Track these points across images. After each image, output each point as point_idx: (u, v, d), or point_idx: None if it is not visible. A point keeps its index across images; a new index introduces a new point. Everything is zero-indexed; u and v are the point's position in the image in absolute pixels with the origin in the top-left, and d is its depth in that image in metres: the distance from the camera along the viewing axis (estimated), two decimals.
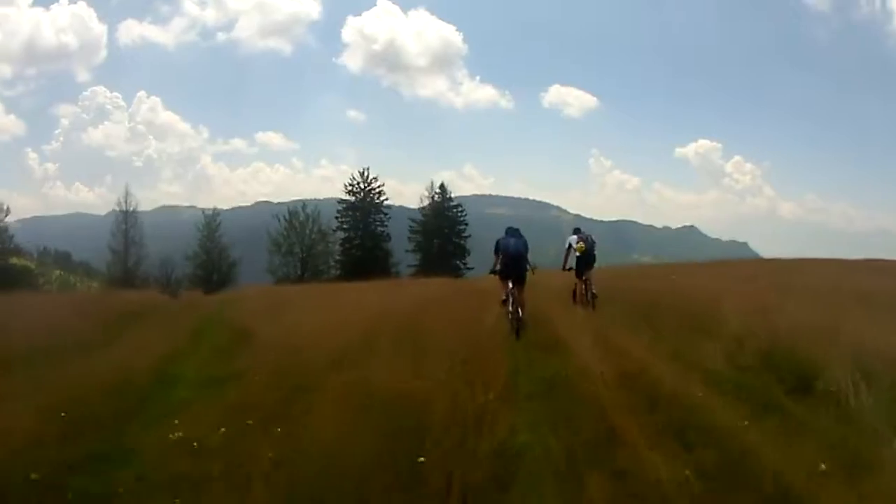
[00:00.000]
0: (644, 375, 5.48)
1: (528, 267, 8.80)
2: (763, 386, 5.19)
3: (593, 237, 10.46)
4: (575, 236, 10.34)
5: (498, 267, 8.89)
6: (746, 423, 4.22)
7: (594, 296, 9.91)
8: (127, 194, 35.04)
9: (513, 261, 8.67)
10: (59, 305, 12.06)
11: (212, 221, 36.99)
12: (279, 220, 38.68)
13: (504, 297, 8.71)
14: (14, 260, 35.14)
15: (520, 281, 8.63)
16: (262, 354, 6.98)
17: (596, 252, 10.37)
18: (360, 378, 5.42)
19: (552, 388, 5.42)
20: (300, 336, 7.50)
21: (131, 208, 34.64)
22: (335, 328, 7.63)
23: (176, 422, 4.85)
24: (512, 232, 8.91)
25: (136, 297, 15.11)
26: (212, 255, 36.27)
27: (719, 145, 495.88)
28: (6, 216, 33.71)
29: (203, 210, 38.54)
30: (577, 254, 10.19)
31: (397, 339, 6.95)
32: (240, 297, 15.94)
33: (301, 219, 38.86)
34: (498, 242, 8.94)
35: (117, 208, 34.27)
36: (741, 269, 18.92)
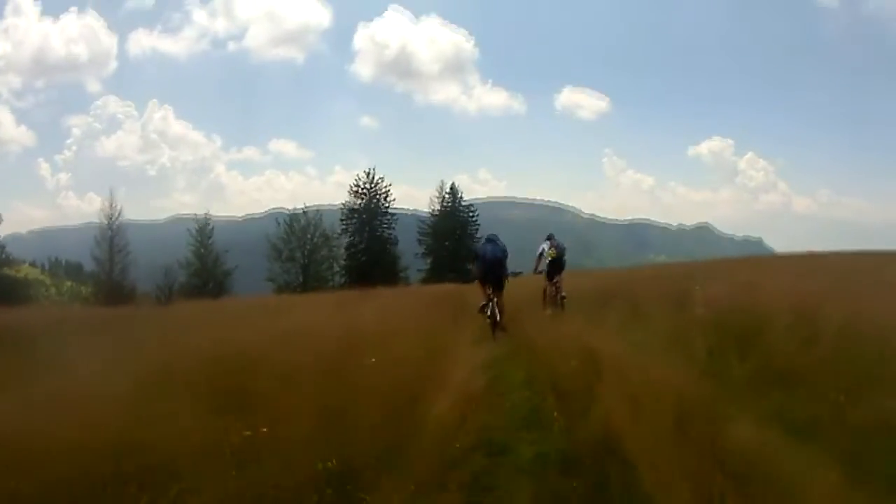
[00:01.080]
0: None
1: (506, 273, 8.94)
2: None
3: (564, 245, 10.81)
4: (547, 242, 10.69)
5: (477, 274, 9.22)
6: None
7: (563, 298, 10.17)
8: (112, 199, 33.00)
9: (490, 267, 8.84)
10: None
11: (204, 228, 34.69)
12: (279, 225, 36.63)
13: (483, 303, 8.84)
14: (5, 270, 33.85)
15: (498, 287, 8.80)
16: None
17: (566, 258, 10.74)
18: None
19: None
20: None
21: (116, 214, 32.41)
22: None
23: None
24: (490, 239, 9.14)
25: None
26: (206, 263, 34.16)
27: (731, 143, 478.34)
28: None
29: (203, 217, 36.42)
30: (549, 259, 10.50)
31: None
32: (166, 315, 13.46)
33: (301, 223, 36.69)
34: (476, 250, 9.46)
35: (103, 215, 32.11)
36: (796, 265, 14.97)
